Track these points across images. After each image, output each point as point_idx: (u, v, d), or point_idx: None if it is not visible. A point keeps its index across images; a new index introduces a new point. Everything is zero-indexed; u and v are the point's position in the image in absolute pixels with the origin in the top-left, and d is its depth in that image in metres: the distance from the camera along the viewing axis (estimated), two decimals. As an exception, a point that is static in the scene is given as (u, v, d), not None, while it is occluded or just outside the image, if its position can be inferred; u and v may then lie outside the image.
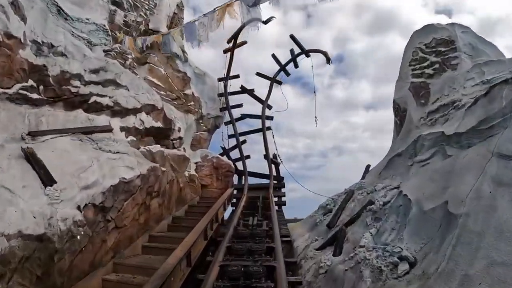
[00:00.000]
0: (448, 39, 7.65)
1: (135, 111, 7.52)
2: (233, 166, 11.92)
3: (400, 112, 7.94)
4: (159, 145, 7.94)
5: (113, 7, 10.41)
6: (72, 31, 8.58)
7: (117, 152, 5.87)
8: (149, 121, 7.88)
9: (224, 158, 11.94)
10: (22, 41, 6.46)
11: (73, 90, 6.90)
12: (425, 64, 7.79)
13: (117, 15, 10.57)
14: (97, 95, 7.09)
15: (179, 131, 9.31)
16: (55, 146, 5.31)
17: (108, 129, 6.35)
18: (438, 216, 4.24)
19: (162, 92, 10.58)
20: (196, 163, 10.44)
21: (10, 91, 6.01)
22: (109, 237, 4.88)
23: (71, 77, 7.03)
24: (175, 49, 11.59)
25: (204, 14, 9.25)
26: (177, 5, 13.35)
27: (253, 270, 4.20)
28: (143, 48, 10.38)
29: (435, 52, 7.78)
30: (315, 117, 13.43)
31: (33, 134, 5.47)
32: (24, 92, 6.23)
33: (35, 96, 6.40)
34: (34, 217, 3.84)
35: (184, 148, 9.96)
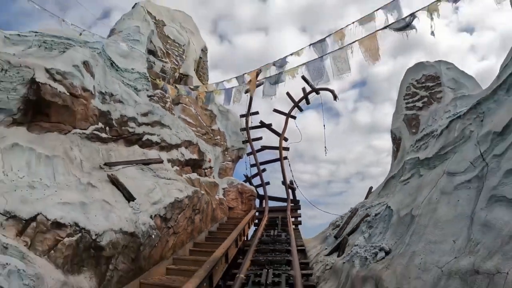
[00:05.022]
0: (435, 75, 9.50)
1: (176, 146, 9.90)
2: (255, 191, 14.26)
3: (396, 140, 9.98)
4: (195, 173, 10.24)
5: (152, 58, 13.11)
6: (122, 80, 11.19)
7: (169, 179, 8.17)
8: (188, 154, 10.24)
9: (247, 184, 14.31)
10: (93, 92, 8.93)
11: (130, 130, 9.35)
12: (416, 98, 9.66)
13: (154, 63, 13.27)
14: (148, 133, 9.51)
15: (209, 161, 11.65)
16: (126, 174, 7.64)
17: (160, 161, 8.69)
18: (408, 219, 6.20)
19: (193, 128, 12.98)
20: (223, 188, 12.70)
21: (87, 132, 8.43)
22: (169, 239, 7.07)
23: (128, 120, 9.49)
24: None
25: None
26: (202, 49, 16.11)
27: (276, 260, 6.29)
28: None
29: (424, 87, 9.56)
30: (325, 147, 15.99)
31: (109, 165, 7.83)
32: (97, 132, 8.66)
33: (103, 135, 8.83)
34: (126, 221, 6.09)
35: (213, 176, 12.23)
